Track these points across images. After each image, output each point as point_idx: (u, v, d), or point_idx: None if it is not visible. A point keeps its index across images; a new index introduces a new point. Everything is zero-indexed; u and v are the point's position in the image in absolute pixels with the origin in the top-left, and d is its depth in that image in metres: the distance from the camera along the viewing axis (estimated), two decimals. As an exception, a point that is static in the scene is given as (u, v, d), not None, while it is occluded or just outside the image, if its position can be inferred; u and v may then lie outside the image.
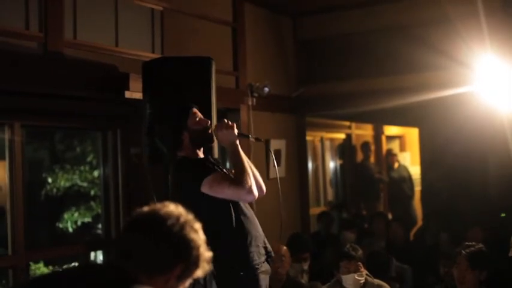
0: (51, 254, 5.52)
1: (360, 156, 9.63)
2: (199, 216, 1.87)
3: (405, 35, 6.34)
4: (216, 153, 3.61)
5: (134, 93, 4.20)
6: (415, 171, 9.78)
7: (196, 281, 2.45)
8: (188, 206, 1.88)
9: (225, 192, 3.06)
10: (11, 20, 4.02)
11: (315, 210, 7.75)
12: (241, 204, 3.18)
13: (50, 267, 7.06)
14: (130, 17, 4.79)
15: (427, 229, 6.92)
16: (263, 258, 3.19)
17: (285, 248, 4.62)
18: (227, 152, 3.32)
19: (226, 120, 3.26)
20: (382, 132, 10.51)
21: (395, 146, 11.12)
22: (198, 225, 1.84)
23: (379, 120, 9.79)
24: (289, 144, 6.67)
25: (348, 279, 4.07)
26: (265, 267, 3.21)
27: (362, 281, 4.08)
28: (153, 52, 4.84)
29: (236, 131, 3.24)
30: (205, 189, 3.05)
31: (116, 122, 4.88)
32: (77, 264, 6.21)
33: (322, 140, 8.91)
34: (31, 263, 6.61)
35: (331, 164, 9.47)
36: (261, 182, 3.33)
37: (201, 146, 3.31)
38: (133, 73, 4.21)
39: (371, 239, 6.44)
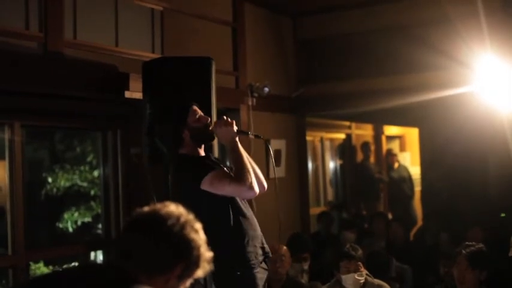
0: (51, 254, 5.52)
1: (360, 156, 9.63)
2: (199, 217, 1.87)
3: (405, 35, 6.34)
4: (216, 151, 3.60)
5: (134, 93, 4.20)
6: (415, 171, 9.78)
7: (196, 281, 2.45)
8: (188, 206, 1.88)
9: (226, 189, 3.05)
10: (11, 20, 4.02)
11: (315, 210, 7.74)
12: (241, 204, 3.18)
13: (50, 267, 7.06)
14: (131, 17, 4.79)
15: (427, 229, 6.92)
16: (260, 258, 3.18)
17: (285, 247, 4.61)
18: (227, 149, 3.32)
19: (225, 117, 3.24)
20: (382, 132, 10.51)
21: (395, 146, 11.11)
22: (198, 225, 1.84)
23: (379, 120, 9.79)
24: (289, 144, 6.68)
25: (347, 279, 4.07)
26: (263, 267, 3.21)
27: (362, 281, 4.08)
28: (153, 52, 4.84)
29: (235, 128, 3.23)
30: (205, 186, 3.04)
31: (116, 122, 4.88)
32: (77, 264, 6.21)
33: (322, 140, 8.91)
34: (31, 263, 6.61)
35: (331, 164, 9.47)
36: (262, 178, 3.32)
37: (202, 143, 3.30)
38: (133, 73, 4.21)
39: (371, 239, 6.43)
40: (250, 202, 3.30)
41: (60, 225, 8.23)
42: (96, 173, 7.92)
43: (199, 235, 1.83)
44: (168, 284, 1.79)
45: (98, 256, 6.68)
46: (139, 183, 4.59)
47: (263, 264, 3.21)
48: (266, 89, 5.86)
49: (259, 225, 3.25)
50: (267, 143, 3.39)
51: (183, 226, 1.80)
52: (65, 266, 6.49)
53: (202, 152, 3.30)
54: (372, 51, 6.66)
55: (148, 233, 1.80)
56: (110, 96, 4.35)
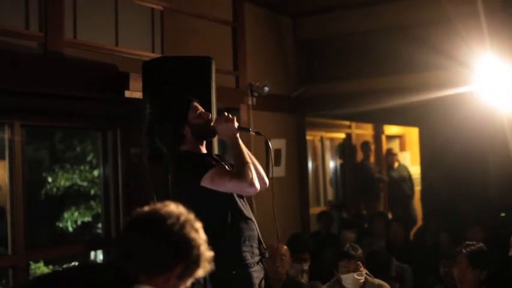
0: (51, 254, 5.53)
1: (360, 156, 9.63)
2: (199, 216, 1.87)
3: (405, 35, 6.34)
4: (215, 147, 3.60)
5: (134, 92, 4.20)
6: (415, 171, 9.78)
7: (196, 281, 2.45)
8: (188, 206, 1.88)
9: (227, 186, 3.05)
10: (11, 19, 4.02)
11: (315, 210, 7.75)
12: (239, 203, 3.17)
13: (50, 267, 7.06)
14: (130, 17, 4.79)
15: (427, 229, 6.92)
16: (257, 258, 3.18)
17: (285, 247, 4.61)
18: (227, 145, 3.31)
19: (226, 114, 3.23)
20: (382, 132, 10.51)
21: (395, 145, 11.11)
22: (198, 225, 1.84)
23: (379, 120, 9.79)
24: (289, 144, 6.68)
25: (347, 278, 4.07)
26: (259, 267, 3.21)
27: (362, 281, 4.08)
28: (153, 52, 4.84)
29: (236, 124, 3.22)
30: (206, 183, 3.03)
31: (116, 122, 4.88)
32: (77, 263, 6.20)
33: (322, 139, 8.91)
34: (31, 263, 6.61)
35: (331, 164, 9.47)
36: (263, 174, 3.31)
37: (203, 139, 3.29)
38: (133, 73, 4.21)
39: (371, 239, 6.43)
40: (250, 202, 3.29)
41: (60, 225, 8.23)
42: (96, 173, 7.92)
43: (199, 234, 1.82)
44: (168, 283, 1.79)
45: (98, 256, 6.68)
46: (139, 183, 4.59)
47: (260, 264, 3.21)
48: (266, 89, 5.86)
49: (259, 225, 3.25)
50: (267, 140, 3.39)
51: (183, 225, 1.79)
52: (65, 266, 6.49)
53: (203, 149, 3.28)
54: (372, 51, 6.66)
55: (148, 233, 1.79)
56: (110, 95, 4.35)
